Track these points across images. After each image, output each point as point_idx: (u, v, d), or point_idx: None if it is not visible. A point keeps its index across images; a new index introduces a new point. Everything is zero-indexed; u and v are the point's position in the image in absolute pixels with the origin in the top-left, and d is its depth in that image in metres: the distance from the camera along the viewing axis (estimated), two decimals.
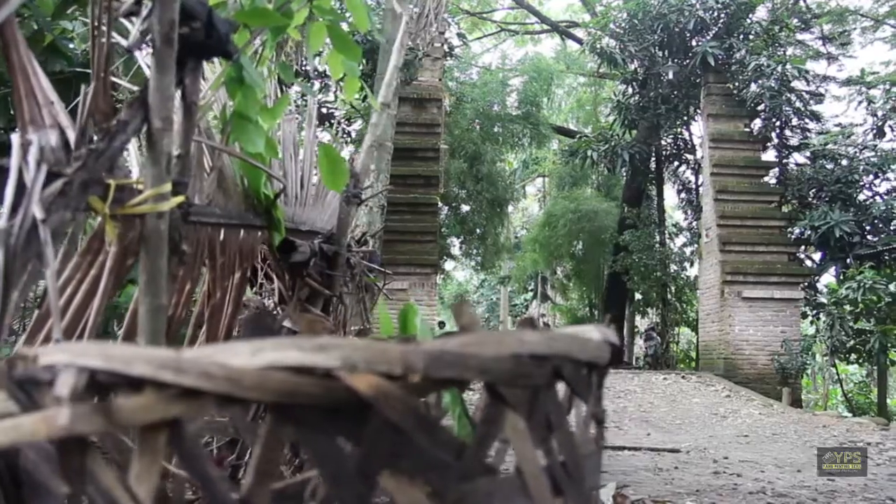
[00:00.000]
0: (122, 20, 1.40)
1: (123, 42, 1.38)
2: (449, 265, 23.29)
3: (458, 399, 1.17)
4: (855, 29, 15.98)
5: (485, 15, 20.45)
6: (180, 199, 1.39)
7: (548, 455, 0.70)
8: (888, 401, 15.15)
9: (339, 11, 1.99)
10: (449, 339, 0.62)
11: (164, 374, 0.58)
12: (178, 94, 1.48)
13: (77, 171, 1.11)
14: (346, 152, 12.09)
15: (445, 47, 12.89)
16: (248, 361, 0.58)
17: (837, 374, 13.64)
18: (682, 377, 11.07)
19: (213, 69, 1.87)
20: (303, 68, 11.92)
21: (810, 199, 12.22)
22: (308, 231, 2.42)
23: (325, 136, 13.82)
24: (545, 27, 19.19)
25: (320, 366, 0.57)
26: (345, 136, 12.43)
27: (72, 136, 1.24)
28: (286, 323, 2.14)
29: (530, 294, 24.91)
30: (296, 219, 2.38)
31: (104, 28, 1.24)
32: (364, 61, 12.72)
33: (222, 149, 1.67)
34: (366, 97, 14.16)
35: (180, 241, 1.39)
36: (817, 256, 12.58)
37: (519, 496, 0.67)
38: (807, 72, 12.20)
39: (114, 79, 1.88)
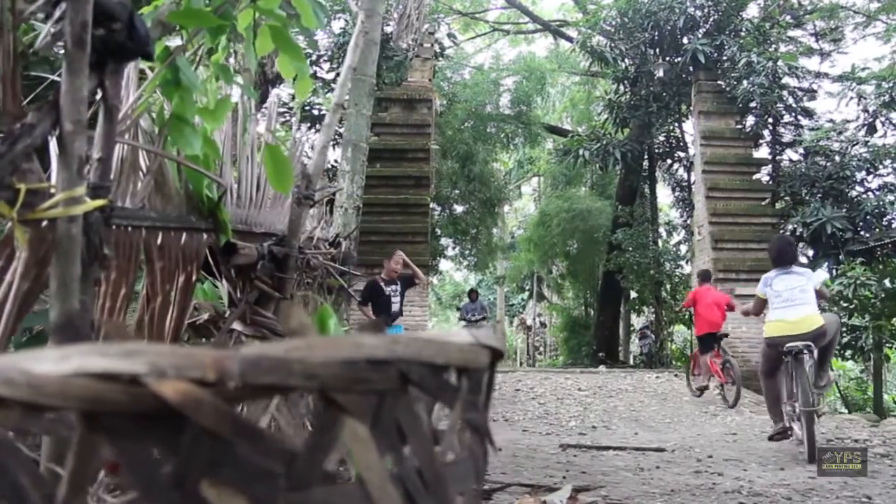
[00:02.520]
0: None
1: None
2: (446, 265, 23.29)
3: None
4: (848, 25, 15.96)
5: (477, 15, 20.43)
6: (100, 202, 1.37)
7: (399, 463, 0.68)
8: (885, 396, 15.13)
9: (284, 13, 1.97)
10: (274, 344, 0.60)
11: None
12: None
13: None
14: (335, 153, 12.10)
15: (436, 48, 12.88)
16: (54, 368, 0.56)
17: (832, 370, 13.58)
18: (675, 375, 11.05)
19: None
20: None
21: (803, 196, 12.19)
22: (263, 233, 2.41)
23: (318, 138, 13.78)
24: (538, 26, 19.18)
25: (126, 372, 0.55)
26: (336, 136, 12.42)
27: None
28: (235, 325, 2.13)
29: (527, 294, 24.89)
30: (250, 221, 2.36)
31: (10, 28, 1.22)
32: None
33: (153, 150, 1.65)
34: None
35: (101, 246, 1.37)
36: (811, 253, 12.55)
37: None
38: (797, 68, 12.17)
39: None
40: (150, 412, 0.56)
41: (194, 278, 1.96)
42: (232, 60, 2.05)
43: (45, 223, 1.30)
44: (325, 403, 0.64)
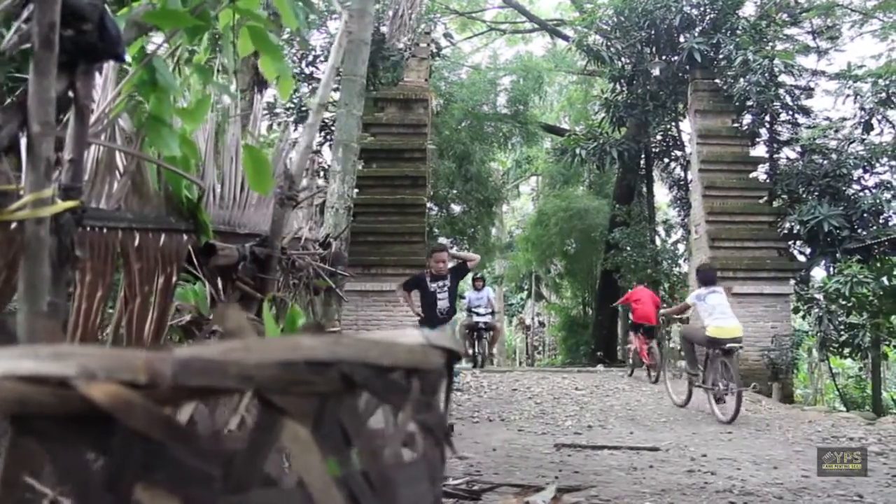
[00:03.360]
0: None
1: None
2: None
3: None
4: (845, 23, 15.95)
5: (474, 14, 20.42)
6: (71, 204, 1.37)
7: (344, 465, 0.68)
8: (884, 394, 15.10)
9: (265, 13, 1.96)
10: (210, 345, 0.60)
11: None
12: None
13: None
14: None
15: (432, 47, 12.87)
16: None
17: (830, 368, 13.58)
18: (673, 374, 11.03)
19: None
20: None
21: (800, 194, 12.18)
22: (247, 234, 2.40)
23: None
24: (535, 26, 19.18)
25: (55, 374, 0.55)
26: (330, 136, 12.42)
27: None
28: (216, 327, 2.12)
29: (525, 293, 24.88)
30: (234, 221, 2.36)
31: None
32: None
33: (128, 151, 1.65)
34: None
35: (72, 247, 1.37)
36: (808, 251, 12.54)
37: None
38: (793, 66, 12.15)
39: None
40: (80, 415, 0.56)
41: (175, 279, 1.95)
42: (227, 61, 2.04)
43: (13, 225, 1.30)
44: (264, 405, 0.63)
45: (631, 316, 11.88)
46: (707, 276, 7.92)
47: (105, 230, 1.60)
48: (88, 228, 1.54)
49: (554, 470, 4.35)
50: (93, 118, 1.69)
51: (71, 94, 1.40)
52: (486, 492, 3.07)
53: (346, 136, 4.17)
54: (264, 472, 0.63)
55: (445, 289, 6.77)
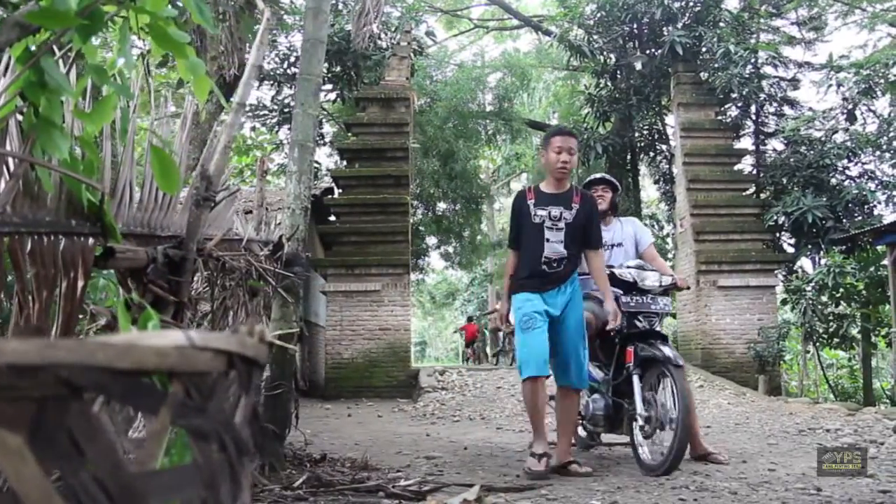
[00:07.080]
0: None
1: None
2: (441, 264, 23.21)
3: None
4: (831, 13, 15.93)
5: (460, 12, 20.37)
6: None
7: (73, 475, 0.65)
8: (878, 384, 15.05)
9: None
10: None
11: None
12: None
13: None
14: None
15: (414, 45, 12.82)
16: None
17: (819, 359, 13.55)
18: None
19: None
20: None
21: (785, 185, 12.16)
22: (170, 236, 2.37)
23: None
24: (520, 22, 19.12)
25: None
26: (318, 137, 12.36)
27: None
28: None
29: None
30: (154, 224, 2.33)
31: None
32: (331, 63, 12.68)
33: (7, 153, 1.62)
34: (344, 101, 14.10)
35: None
36: (794, 242, 12.51)
37: None
38: (775, 57, 12.13)
39: None
40: None
41: (81, 284, 1.92)
42: (127, 63, 2.00)
43: None
44: None
45: (464, 338, 20.79)
46: None
47: None
48: None
49: (518, 468, 4.32)
50: None
51: None
52: (433, 492, 3.04)
53: (302, 136, 4.13)
54: None
55: (560, 222, 3.90)
